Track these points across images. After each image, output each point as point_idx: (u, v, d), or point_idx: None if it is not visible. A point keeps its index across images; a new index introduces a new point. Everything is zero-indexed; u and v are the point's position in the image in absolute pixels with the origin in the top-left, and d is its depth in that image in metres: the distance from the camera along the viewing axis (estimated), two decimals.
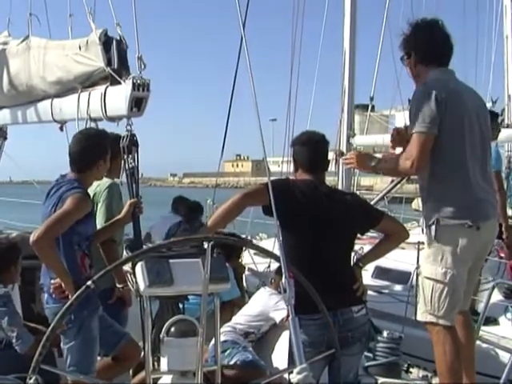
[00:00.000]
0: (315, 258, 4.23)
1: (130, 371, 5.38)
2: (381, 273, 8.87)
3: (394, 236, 4.68)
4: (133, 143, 4.72)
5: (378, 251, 4.82)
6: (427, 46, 4.57)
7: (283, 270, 2.98)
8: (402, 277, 8.42)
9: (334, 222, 4.37)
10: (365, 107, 11.22)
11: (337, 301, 4.09)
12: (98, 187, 5.28)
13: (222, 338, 5.58)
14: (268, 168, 3.52)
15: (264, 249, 3.53)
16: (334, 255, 4.37)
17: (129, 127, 4.80)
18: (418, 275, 6.11)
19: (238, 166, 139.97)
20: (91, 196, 5.21)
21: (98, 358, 5.10)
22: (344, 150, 8.20)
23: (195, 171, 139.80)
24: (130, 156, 4.73)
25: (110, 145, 4.76)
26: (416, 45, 4.59)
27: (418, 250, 6.94)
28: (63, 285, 4.35)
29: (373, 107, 12.82)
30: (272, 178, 4.11)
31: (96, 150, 4.69)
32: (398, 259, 8.27)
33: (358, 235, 4.75)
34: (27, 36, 6.74)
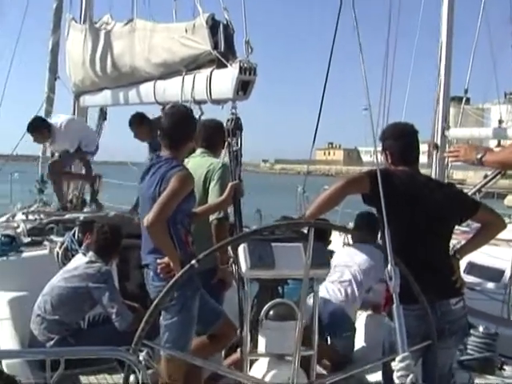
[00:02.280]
0: (414, 248, 4.17)
1: (222, 353, 5.44)
2: (473, 269, 8.71)
3: (492, 226, 4.59)
4: (237, 126, 4.74)
5: (475, 242, 4.72)
6: None
7: (389, 258, 2.95)
8: (495, 274, 8.24)
9: (433, 211, 4.32)
10: (460, 100, 11.01)
11: (435, 292, 4.02)
12: (212, 165, 5.26)
13: None
14: (377, 157, 3.51)
15: (365, 236, 3.51)
16: (433, 245, 4.32)
17: (234, 110, 4.82)
18: None
19: (329, 154, 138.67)
20: (203, 174, 5.30)
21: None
22: (438, 143, 8.07)
23: (287, 158, 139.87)
24: (234, 139, 4.76)
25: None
26: None
27: None
28: (171, 264, 4.41)
29: (468, 100, 12.55)
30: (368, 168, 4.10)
31: (189, 124, 4.70)
32: (491, 255, 8.11)
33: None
34: (132, 19, 6.88)
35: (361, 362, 5.95)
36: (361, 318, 6.44)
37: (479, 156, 4.45)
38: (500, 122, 11.44)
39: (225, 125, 4.83)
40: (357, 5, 3.75)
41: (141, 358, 2.92)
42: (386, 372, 3.83)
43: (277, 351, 3.48)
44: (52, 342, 5.50)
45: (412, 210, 4.27)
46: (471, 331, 5.52)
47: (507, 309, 6.57)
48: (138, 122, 7.74)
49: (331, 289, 6.23)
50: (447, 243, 4.56)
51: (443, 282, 4.25)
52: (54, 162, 8.25)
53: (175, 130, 4.61)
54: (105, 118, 8.24)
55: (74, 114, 8.44)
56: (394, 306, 2.84)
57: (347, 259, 6.26)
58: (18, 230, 6.91)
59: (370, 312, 6.54)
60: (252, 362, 3.55)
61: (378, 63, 12.11)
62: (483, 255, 8.23)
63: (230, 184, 4.88)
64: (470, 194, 7.83)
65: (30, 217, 7.24)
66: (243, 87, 4.84)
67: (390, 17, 11.64)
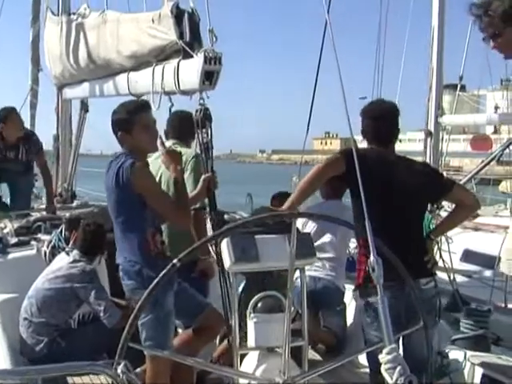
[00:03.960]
0: (386, 227, 3.98)
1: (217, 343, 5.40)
2: (469, 256, 8.69)
3: (466, 206, 4.57)
4: (206, 117, 4.64)
5: (449, 222, 4.73)
6: None
7: (371, 248, 2.88)
8: (490, 261, 8.16)
9: (404, 190, 4.32)
10: (455, 87, 10.85)
11: (415, 272, 3.93)
12: (184, 156, 5.13)
13: None
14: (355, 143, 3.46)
15: (346, 222, 3.43)
16: (404, 225, 4.31)
17: (202, 101, 4.70)
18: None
19: (326, 143, 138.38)
20: None
21: (180, 330, 5.14)
22: (432, 130, 7.96)
23: (284, 148, 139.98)
24: (204, 130, 4.66)
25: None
26: None
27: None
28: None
29: (464, 87, 12.40)
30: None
31: (121, 120, 4.58)
32: (487, 243, 8.05)
33: None
34: (103, 10, 6.76)
35: (352, 347, 5.96)
36: (348, 294, 6.41)
37: None
38: (496, 108, 11.32)
39: (194, 116, 4.73)
40: None
41: (119, 371, 2.86)
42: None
43: (267, 344, 3.44)
44: (42, 345, 5.50)
45: (383, 189, 4.24)
46: (464, 309, 5.48)
47: (504, 296, 6.48)
48: None
49: (318, 265, 6.29)
50: (419, 223, 4.56)
51: (414, 262, 4.06)
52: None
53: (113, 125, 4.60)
54: (87, 111, 8.14)
55: (57, 106, 8.34)
56: (379, 297, 2.77)
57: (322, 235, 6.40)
58: (5, 231, 6.87)
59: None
60: (242, 356, 3.50)
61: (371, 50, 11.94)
62: (478, 243, 8.18)
63: (202, 177, 4.80)
64: (464, 180, 7.76)
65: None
66: (209, 77, 4.72)
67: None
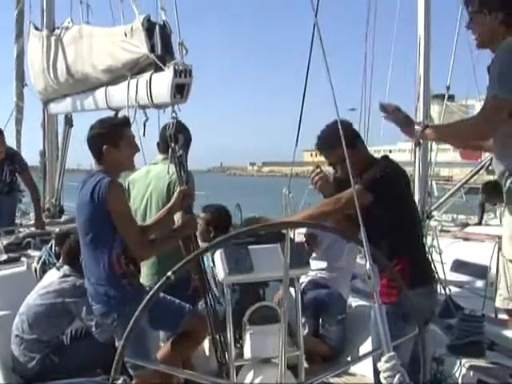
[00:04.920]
0: (414, 237, 4.42)
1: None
2: (459, 266, 8.70)
3: None
4: (179, 131, 4.66)
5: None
6: None
7: (367, 257, 2.90)
8: (480, 271, 8.14)
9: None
10: (444, 97, 10.86)
11: (434, 276, 4.54)
12: (174, 174, 5.07)
13: None
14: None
15: (343, 232, 3.42)
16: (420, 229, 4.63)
17: (174, 114, 4.72)
18: (498, 260, 5.90)
19: (316, 155, 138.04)
20: (166, 183, 5.30)
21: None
22: (420, 140, 7.97)
23: (274, 160, 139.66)
24: (177, 144, 4.68)
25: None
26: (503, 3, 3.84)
27: (496, 244, 6.75)
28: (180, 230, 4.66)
29: (453, 97, 12.38)
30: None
31: (95, 139, 4.57)
32: (477, 253, 8.03)
33: None
34: (80, 24, 6.80)
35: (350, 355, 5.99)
36: (351, 305, 6.49)
37: (418, 133, 4.35)
38: None
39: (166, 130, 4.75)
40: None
41: None
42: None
43: (262, 355, 3.46)
44: (34, 362, 5.49)
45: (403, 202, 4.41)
46: (458, 314, 5.47)
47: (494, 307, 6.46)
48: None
49: (323, 274, 6.40)
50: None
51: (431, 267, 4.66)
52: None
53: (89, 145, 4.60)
54: (71, 125, 8.17)
55: (43, 121, 8.39)
56: (376, 305, 2.79)
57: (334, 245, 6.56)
58: None
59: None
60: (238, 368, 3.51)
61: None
62: (469, 252, 8.15)
63: (177, 189, 4.79)
64: (453, 190, 7.85)
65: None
66: (180, 90, 4.74)
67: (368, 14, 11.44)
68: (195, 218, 4.85)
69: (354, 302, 6.64)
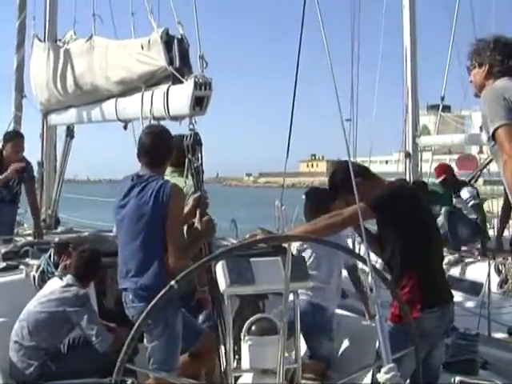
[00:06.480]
0: (425, 255, 4.39)
1: None
2: (453, 283, 8.74)
3: None
4: (196, 142, 4.73)
5: None
6: (505, 61, 4.32)
7: (369, 270, 2.97)
8: (475, 288, 8.15)
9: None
10: (438, 108, 10.97)
11: (448, 295, 4.45)
12: (185, 189, 5.05)
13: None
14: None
15: (349, 249, 3.50)
16: (433, 251, 4.54)
17: (192, 126, 4.80)
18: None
19: (312, 166, 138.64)
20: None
21: None
22: (410, 151, 8.06)
23: (270, 171, 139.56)
24: (195, 156, 4.75)
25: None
26: (493, 59, 4.17)
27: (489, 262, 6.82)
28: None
29: (449, 108, 12.46)
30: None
31: (169, 145, 4.68)
32: (471, 269, 8.20)
33: None
34: (91, 36, 6.85)
35: (346, 370, 6.01)
36: (345, 322, 6.48)
37: None
38: (481, 128, 11.45)
39: (184, 141, 4.81)
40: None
41: None
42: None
43: (260, 366, 3.46)
44: (32, 369, 5.47)
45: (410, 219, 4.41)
46: (453, 334, 5.54)
47: (487, 325, 6.50)
48: None
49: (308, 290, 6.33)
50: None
51: (447, 285, 4.62)
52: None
53: (157, 149, 4.61)
54: (72, 137, 8.18)
55: (42, 132, 8.40)
56: (377, 317, 2.84)
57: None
58: None
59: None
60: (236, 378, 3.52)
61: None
62: (461, 269, 8.20)
63: (192, 197, 4.84)
64: None
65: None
66: (199, 102, 4.82)
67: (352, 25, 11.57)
68: (214, 223, 4.86)
69: (343, 317, 6.62)
